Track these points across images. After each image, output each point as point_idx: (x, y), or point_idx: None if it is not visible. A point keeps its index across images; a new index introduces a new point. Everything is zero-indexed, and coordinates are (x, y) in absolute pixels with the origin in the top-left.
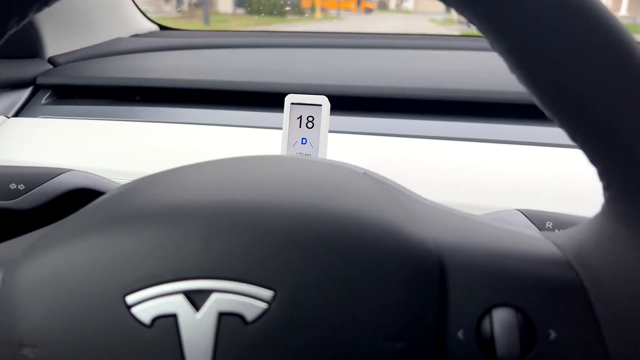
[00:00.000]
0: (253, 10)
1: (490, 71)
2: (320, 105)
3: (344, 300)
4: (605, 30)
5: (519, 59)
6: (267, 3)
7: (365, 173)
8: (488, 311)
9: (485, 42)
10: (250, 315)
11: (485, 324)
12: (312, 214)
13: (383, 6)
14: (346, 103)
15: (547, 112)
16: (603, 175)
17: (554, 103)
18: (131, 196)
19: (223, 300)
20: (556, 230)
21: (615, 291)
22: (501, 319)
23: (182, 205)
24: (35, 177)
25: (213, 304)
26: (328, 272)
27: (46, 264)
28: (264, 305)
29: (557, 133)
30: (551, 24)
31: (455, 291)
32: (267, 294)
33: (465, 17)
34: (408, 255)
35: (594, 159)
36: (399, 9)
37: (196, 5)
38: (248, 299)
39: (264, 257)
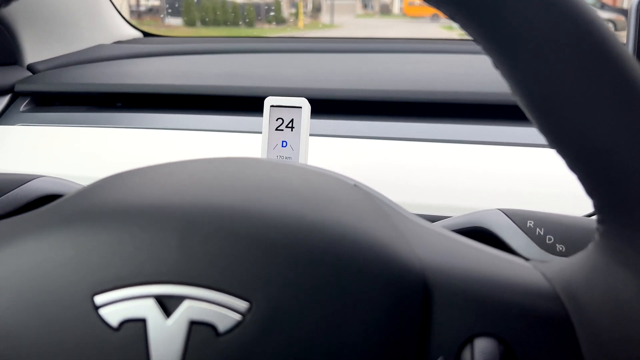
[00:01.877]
0: (191, 21)
1: (469, 73)
2: (300, 107)
3: (321, 317)
4: (612, 68)
5: (521, 84)
6: (224, 12)
7: (355, 185)
8: (470, 340)
9: (465, 45)
10: (222, 326)
11: (466, 354)
12: (296, 225)
13: (385, 10)
14: (327, 106)
15: (547, 141)
16: (599, 209)
17: (554, 134)
18: (107, 191)
19: (195, 308)
20: (537, 230)
21: (603, 330)
22: (483, 349)
23: (160, 205)
24: (5, 184)
25: (185, 312)
26: (307, 287)
27: (12, 254)
28: (237, 317)
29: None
30: (557, 55)
31: (438, 316)
32: (242, 305)
33: (471, 35)
34: (392, 274)
35: (591, 192)
36: (403, 14)
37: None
38: (222, 309)
39: (242, 266)
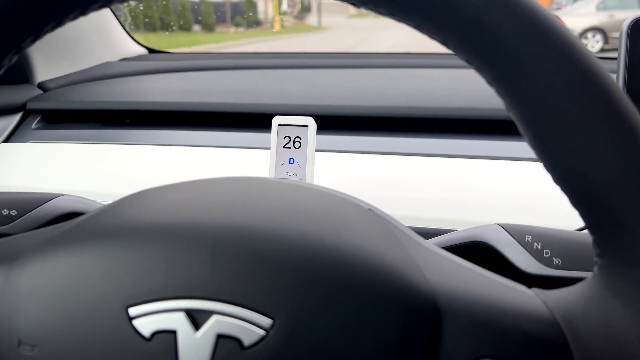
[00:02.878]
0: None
1: (474, 88)
2: (307, 126)
3: (337, 336)
4: (613, 112)
5: (529, 124)
6: (166, 13)
7: (369, 209)
8: None
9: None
10: (247, 341)
11: None
12: (315, 248)
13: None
14: (332, 122)
15: (552, 177)
16: (598, 244)
17: (559, 172)
18: (139, 208)
19: (223, 322)
20: (535, 244)
21: (599, 356)
22: None
23: (193, 224)
24: (27, 203)
25: (213, 325)
26: (326, 306)
27: (53, 266)
28: (262, 332)
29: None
30: (564, 103)
31: (447, 338)
32: (266, 321)
33: (484, 77)
34: (404, 297)
35: (591, 228)
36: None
37: None
38: (247, 325)
39: (267, 286)
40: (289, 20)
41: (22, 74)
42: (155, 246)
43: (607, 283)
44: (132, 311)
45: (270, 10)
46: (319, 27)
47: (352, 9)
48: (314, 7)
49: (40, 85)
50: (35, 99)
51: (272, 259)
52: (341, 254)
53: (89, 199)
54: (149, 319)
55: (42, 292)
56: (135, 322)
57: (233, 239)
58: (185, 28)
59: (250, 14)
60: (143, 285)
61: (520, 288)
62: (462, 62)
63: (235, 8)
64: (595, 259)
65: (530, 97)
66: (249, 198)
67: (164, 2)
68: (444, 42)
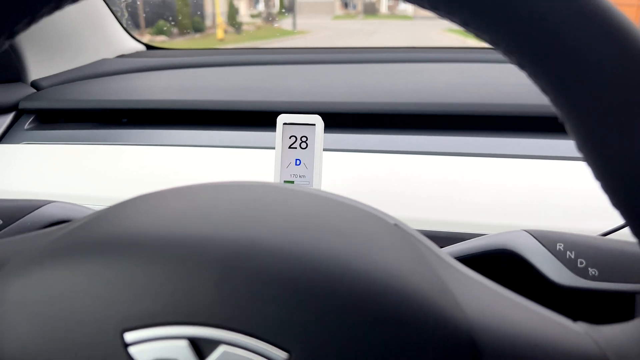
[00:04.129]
0: None
1: (486, 83)
2: (314, 124)
3: None
4: None
5: (583, 124)
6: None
7: (396, 225)
8: None
9: (479, 54)
10: None
11: None
12: (341, 271)
13: (371, 10)
14: (340, 120)
15: (594, 173)
16: None
17: (607, 169)
18: (141, 214)
19: (232, 354)
20: (568, 253)
21: None
22: None
23: (200, 237)
24: (14, 211)
25: (220, 357)
26: (349, 340)
27: (40, 281)
28: None
29: (559, 145)
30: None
31: None
32: (281, 355)
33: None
34: (439, 333)
35: None
36: (393, 13)
37: None
38: (259, 358)
39: (282, 313)
40: (252, 25)
41: (14, 72)
42: (155, 262)
43: None
44: (129, 337)
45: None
46: (291, 32)
47: (338, 10)
48: (298, 7)
49: (34, 84)
50: (28, 98)
51: (289, 282)
52: (369, 280)
53: (82, 206)
54: (148, 346)
55: (28, 309)
56: (132, 350)
57: (246, 257)
58: None
59: (181, 17)
60: (142, 307)
61: (567, 323)
62: (474, 56)
63: (163, 7)
64: None
65: (576, 82)
66: (263, 209)
67: None
68: (493, 42)
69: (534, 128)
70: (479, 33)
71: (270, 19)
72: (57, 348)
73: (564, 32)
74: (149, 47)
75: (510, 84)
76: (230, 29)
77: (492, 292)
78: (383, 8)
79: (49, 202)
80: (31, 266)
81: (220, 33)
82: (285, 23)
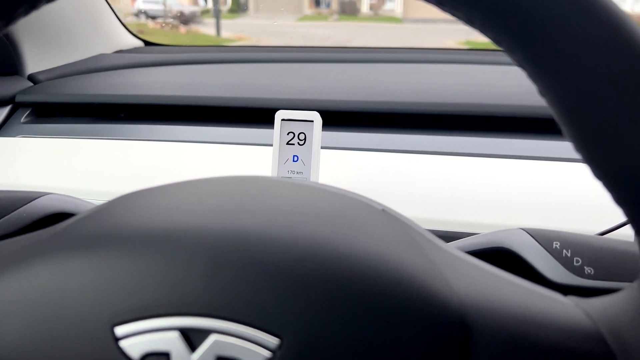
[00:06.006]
0: None
1: (484, 84)
2: (312, 121)
3: (354, 356)
4: None
5: (572, 111)
6: None
7: (383, 210)
8: None
9: (482, 56)
10: None
11: None
12: (328, 255)
13: (349, 9)
14: (338, 118)
15: (593, 171)
16: None
17: (605, 165)
18: (126, 212)
19: (223, 343)
20: (564, 251)
21: None
22: None
23: (187, 229)
24: (10, 202)
25: (211, 346)
26: (340, 323)
27: (29, 278)
28: (267, 354)
29: (557, 147)
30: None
31: (478, 356)
32: (273, 341)
33: (514, 58)
34: (429, 313)
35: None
36: (377, 13)
37: None
38: (251, 345)
39: (272, 300)
40: (141, 27)
41: (11, 65)
42: (143, 255)
43: None
44: (119, 330)
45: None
46: (213, 39)
47: (307, 8)
48: (258, 4)
49: (31, 77)
50: (25, 91)
51: (277, 269)
52: (357, 263)
53: (78, 199)
54: (138, 339)
55: (17, 306)
56: (123, 343)
57: (233, 247)
58: None
59: None
60: (131, 301)
61: (557, 297)
62: (473, 58)
63: None
64: None
65: (579, 80)
66: (251, 200)
67: None
68: (468, 19)
69: (531, 129)
70: (483, 30)
71: (186, 20)
72: (47, 345)
73: (568, 34)
74: (147, 43)
75: (507, 85)
76: None
77: (480, 270)
78: (364, 7)
79: (46, 193)
80: (17, 266)
81: None
82: (228, 23)
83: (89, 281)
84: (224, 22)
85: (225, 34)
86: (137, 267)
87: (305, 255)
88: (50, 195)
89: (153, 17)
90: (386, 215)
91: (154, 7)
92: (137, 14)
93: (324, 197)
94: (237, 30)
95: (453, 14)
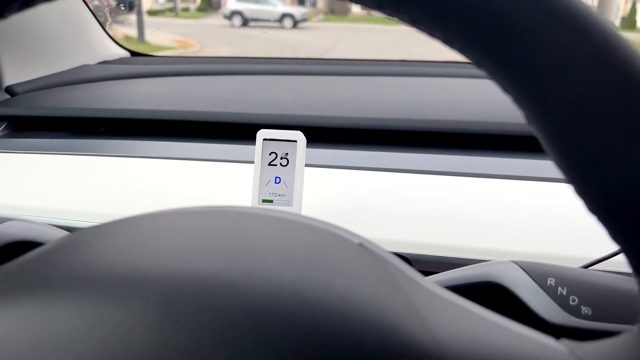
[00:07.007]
0: None
1: (476, 100)
2: (295, 141)
3: None
4: None
5: (559, 138)
6: None
7: (360, 243)
8: None
9: (467, 69)
10: None
11: None
12: (298, 302)
13: (340, 9)
14: (324, 134)
15: (587, 205)
16: None
17: (599, 198)
18: (75, 252)
19: None
20: (559, 289)
21: None
22: None
23: (135, 273)
24: None
25: None
26: None
27: None
28: None
29: (545, 166)
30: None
31: None
32: None
33: (498, 82)
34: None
35: (637, 269)
36: (370, 13)
37: None
38: None
39: (233, 355)
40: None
41: None
42: (84, 304)
43: None
44: None
45: None
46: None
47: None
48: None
49: (8, 89)
50: (1, 104)
51: (239, 318)
52: (326, 310)
53: (42, 225)
54: None
55: None
56: None
57: (188, 293)
58: None
59: None
60: (69, 355)
61: (548, 342)
62: (462, 71)
63: None
64: None
65: (563, 103)
66: (212, 236)
67: None
68: (447, 40)
69: (523, 148)
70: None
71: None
72: None
73: (522, 28)
74: (133, 53)
75: (500, 101)
76: None
77: (465, 312)
78: (356, 6)
79: (7, 219)
80: None
81: None
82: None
83: (22, 336)
84: (182, 22)
85: (175, 37)
86: (76, 318)
87: (270, 301)
88: (11, 222)
89: None
90: (362, 251)
91: None
92: None
93: (295, 231)
94: (192, 34)
95: (431, 35)
